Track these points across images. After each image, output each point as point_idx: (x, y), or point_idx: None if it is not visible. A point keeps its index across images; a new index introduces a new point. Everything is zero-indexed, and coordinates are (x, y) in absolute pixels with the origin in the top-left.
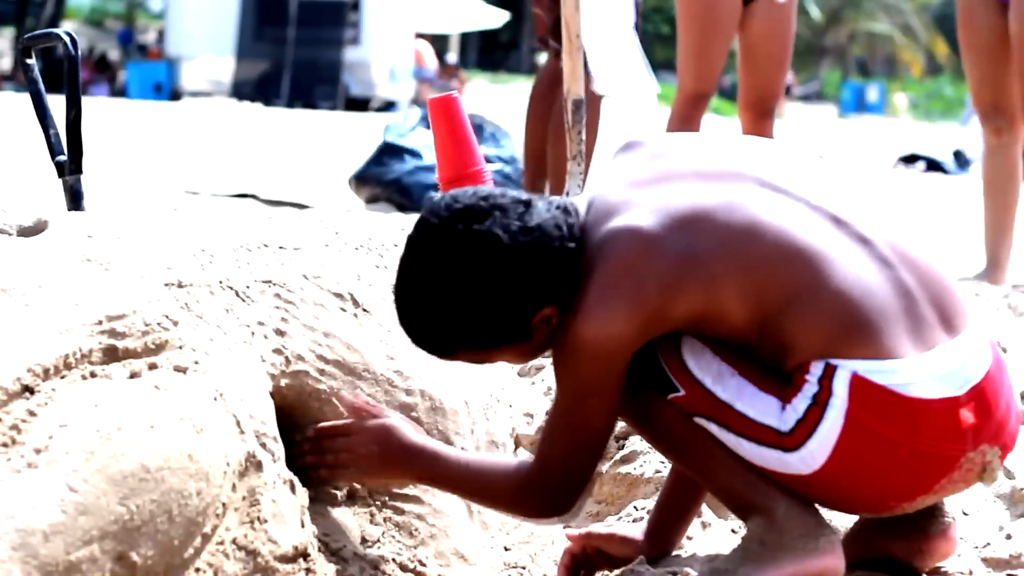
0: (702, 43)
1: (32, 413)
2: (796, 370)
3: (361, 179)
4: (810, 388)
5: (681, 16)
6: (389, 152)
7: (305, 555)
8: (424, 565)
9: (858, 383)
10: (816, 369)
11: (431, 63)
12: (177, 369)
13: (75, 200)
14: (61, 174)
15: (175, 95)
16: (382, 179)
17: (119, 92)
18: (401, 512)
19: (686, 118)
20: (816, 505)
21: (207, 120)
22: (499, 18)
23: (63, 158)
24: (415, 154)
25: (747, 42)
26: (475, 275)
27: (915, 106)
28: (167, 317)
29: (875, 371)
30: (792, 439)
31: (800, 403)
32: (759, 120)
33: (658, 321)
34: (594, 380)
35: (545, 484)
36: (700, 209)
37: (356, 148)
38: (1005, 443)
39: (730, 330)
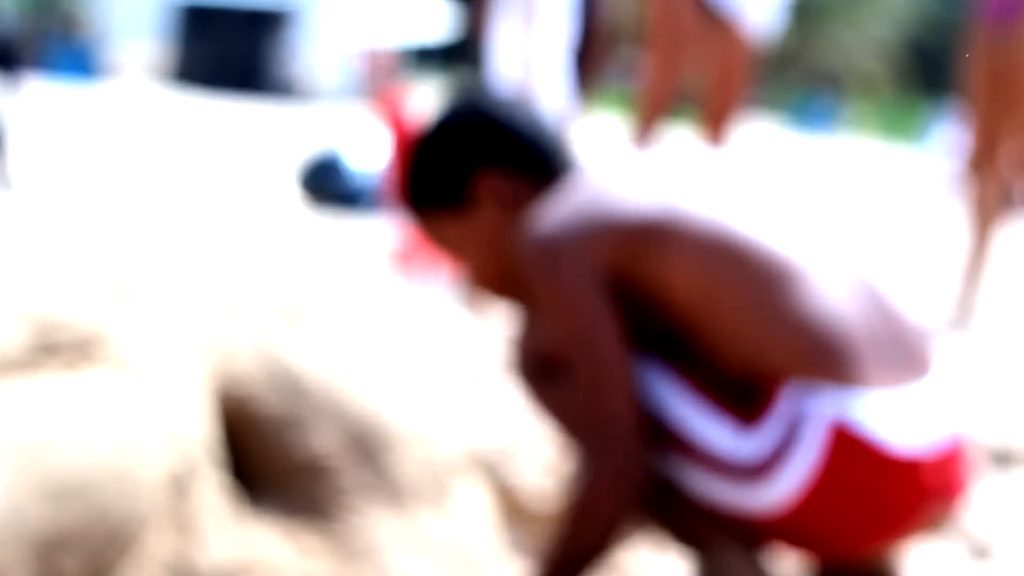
0: (664, 55)
1: None
2: (758, 388)
3: (309, 183)
4: (778, 420)
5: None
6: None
7: (244, 570)
8: None
9: (834, 427)
10: (787, 398)
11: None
12: (113, 372)
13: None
14: None
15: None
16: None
17: None
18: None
19: (648, 127)
20: (764, 550)
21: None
22: (440, 30)
23: None
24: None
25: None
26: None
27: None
28: (105, 318)
29: (847, 405)
30: (758, 472)
31: (767, 435)
32: (718, 132)
33: (606, 243)
34: (572, 297)
35: (600, 443)
36: (677, 200)
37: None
38: (961, 490)
39: (671, 309)
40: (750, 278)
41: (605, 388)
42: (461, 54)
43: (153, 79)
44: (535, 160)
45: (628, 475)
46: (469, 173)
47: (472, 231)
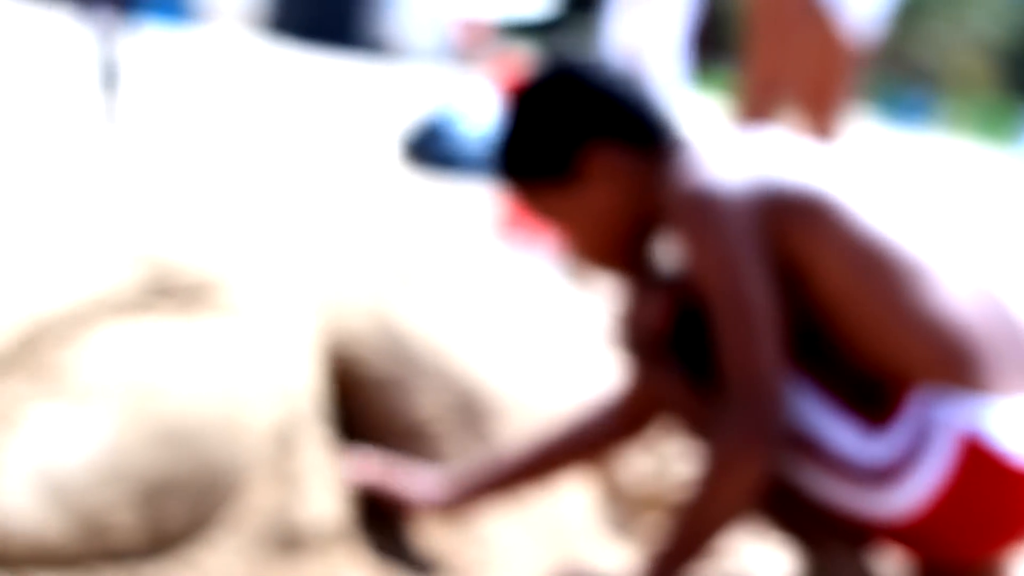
0: (769, 42)
1: (74, 352)
2: (886, 389)
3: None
4: (907, 425)
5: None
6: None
7: (343, 531)
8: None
9: (964, 438)
10: (917, 402)
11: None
12: (224, 320)
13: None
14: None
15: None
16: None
17: None
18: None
19: (754, 114)
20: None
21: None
22: (538, 4)
23: None
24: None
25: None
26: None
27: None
28: (221, 266)
29: (976, 414)
30: (883, 477)
31: (895, 440)
32: (822, 125)
33: (767, 205)
34: (733, 245)
35: (747, 396)
36: (822, 184)
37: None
38: None
39: (820, 296)
40: (892, 274)
41: (759, 340)
42: (557, 29)
43: (246, 27)
44: (644, 134)
45: (770, 434)
46: (575, 145)
47: (578, 204)
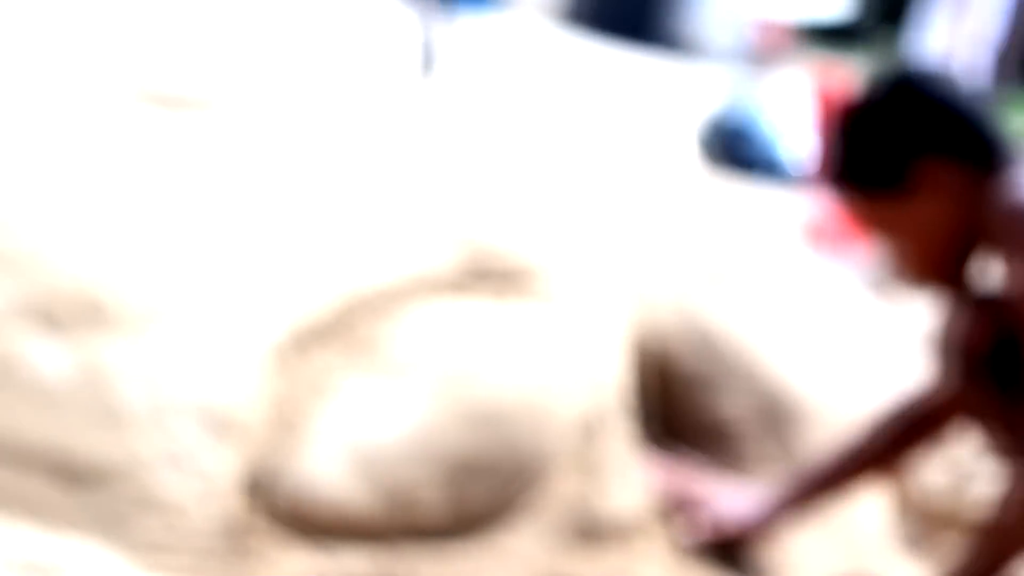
0: None
1: (389, 328)
2: None
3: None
4: None
5: None
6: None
7: (642, 527)
8: None
9: None
10: None
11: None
12: (539, 307)
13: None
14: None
15: None
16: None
17: None
18: None
19: None
20: None
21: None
22: (837, 7)
23: None
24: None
25: None
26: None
27: None
28: (538, 250)
29: None
30: None
31: None
32: None
33: None
34: None
35: None
36: None
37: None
38: None
39: None
40: None
41: None
42: (857, 35)
43: (546, 16)
44: (980, 151)
45: None
46: (913, 158)
47: (907, 216)
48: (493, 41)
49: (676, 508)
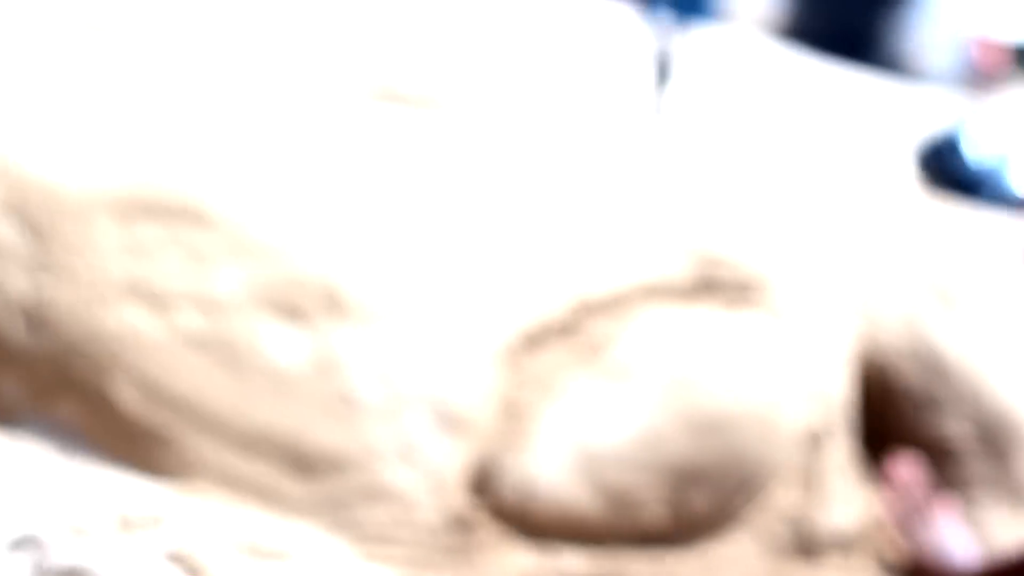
0: None
1: (624, 331)
2: None
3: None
4: None
5: None
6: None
7: (861, 543)
8: None
9: None
10: None
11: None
12: (767, 318)
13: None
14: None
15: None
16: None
17: None
18: None
19: None
20: None
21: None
22: None
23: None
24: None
25: None
26: None
27: None
28: (768, 264)
29: None
30: None
31: None
32: None
33: None
34: None
35: None
36: None
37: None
38: None
39: None
40: None
41: None
42: None
43: (763, 32)
44: None
45: None
46: None
47: None
48: (718, 55)
49: (898, 525)
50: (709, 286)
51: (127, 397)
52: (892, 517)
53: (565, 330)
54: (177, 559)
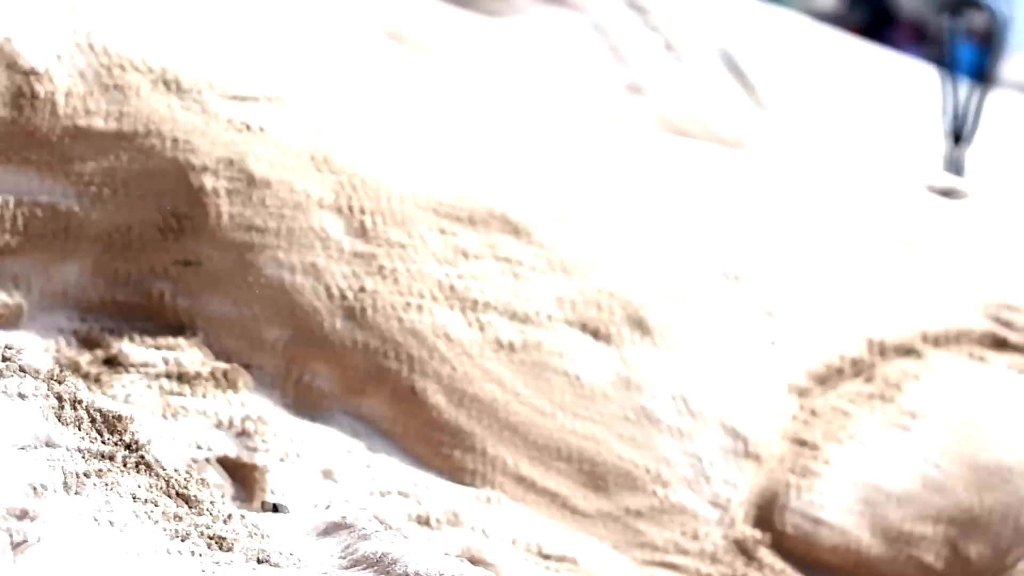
0: None
1: (913, 377)
2: None
3: None
4: None
5: None
6: None
7: None
8: None
9: None
10: None
11: None
12: None
13: (956, 170)
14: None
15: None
16: None
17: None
18: None
19: None
20: None
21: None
22: None
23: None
24: None
25: None
26: None
27: None
28: None
29: None
30: None
31: None
32: None
33: None
34: None
35: None
36: None
37: None
38: None
39: None
40: None
41: None
42: None
43: None
44: None
45: None
46: None
47: None
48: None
49: None
50: (1002, 341)
51: (435, 398)
52: None
53: (857, 372)
54: (471, 557)
